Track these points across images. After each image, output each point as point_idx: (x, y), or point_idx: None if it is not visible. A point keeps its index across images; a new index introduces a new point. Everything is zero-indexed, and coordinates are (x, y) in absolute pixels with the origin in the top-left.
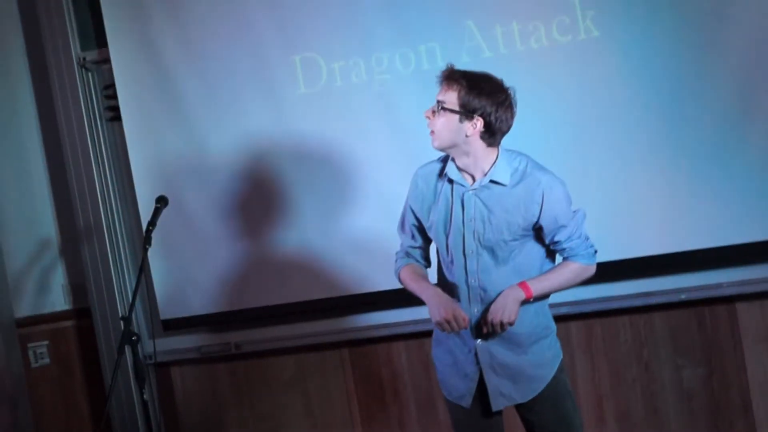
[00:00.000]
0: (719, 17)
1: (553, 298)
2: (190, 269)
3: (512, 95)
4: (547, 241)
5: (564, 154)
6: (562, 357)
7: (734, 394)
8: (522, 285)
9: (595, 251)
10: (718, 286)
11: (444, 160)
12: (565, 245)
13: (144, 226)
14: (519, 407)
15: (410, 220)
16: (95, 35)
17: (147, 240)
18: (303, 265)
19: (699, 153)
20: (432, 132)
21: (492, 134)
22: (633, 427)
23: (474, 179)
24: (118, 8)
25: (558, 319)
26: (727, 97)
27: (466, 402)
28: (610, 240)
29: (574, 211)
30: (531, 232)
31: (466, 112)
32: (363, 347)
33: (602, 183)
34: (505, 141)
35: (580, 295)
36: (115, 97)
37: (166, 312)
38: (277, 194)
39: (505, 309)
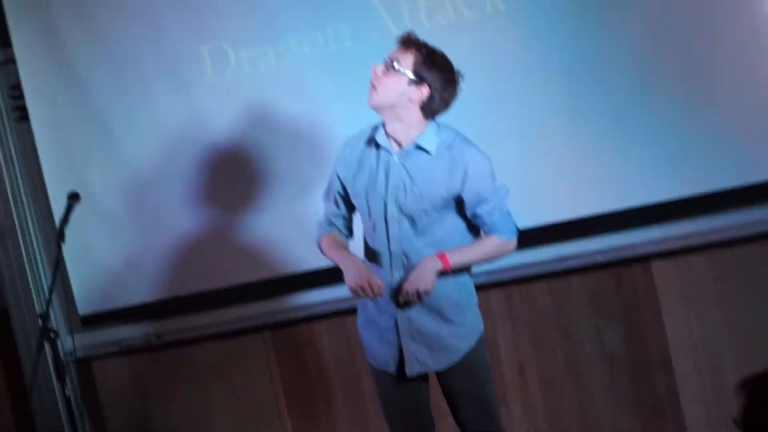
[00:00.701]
0: None
1: (472, 268)
2: (106, 263)
3: (460, 80)
4: (468, 215)
5: (474, 126)
6: (482, 332)
7: (654, 352)
8: (440, 256)
9: (517, 228)
10: (634, 246)
11: (374, 130)
12: (486, 220)
13: (57, 223)
14: (439, 378)
15: (335, 187)
16: None
17: (60, 236)
18: (219, 252)
19: (607, 117)
20: (374, 88)
21: (431, 108)
22: (556, 392)
23: (401, 147)
24: (21, 7)
25: (477, 288)
26: (631, 60)
27: (391, 368)
28: (525, 207)
29: (497, 187)
30: (452, 205)
31: (417, 78)
32: (285, 330)
33: (514, 152)
34: None
35: (498, 263)
36: (21, 96)
37: (84, 307)
38: (189, 182)
39: (421, 278)
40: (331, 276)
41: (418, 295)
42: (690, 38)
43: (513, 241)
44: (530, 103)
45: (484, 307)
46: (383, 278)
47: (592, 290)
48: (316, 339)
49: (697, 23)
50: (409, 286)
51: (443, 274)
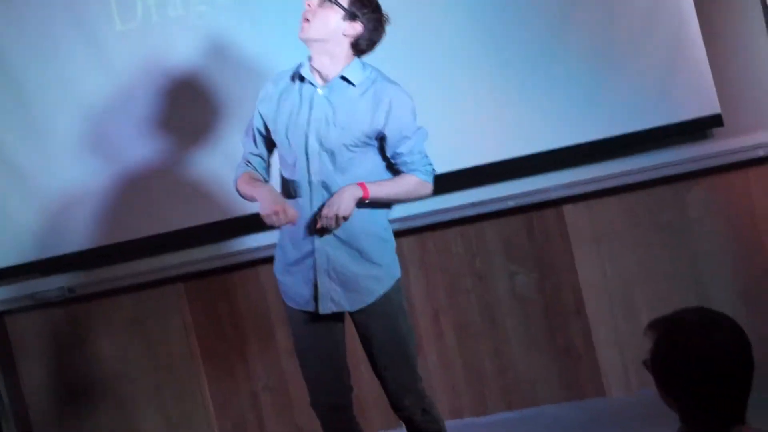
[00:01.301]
0: None
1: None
2: (16, 215)
3: (386, 23)
4: (388, 153)
5: (387, 71)
6: (399, 277)
7: (567, 295)
8: (360, 184)
9: (434, 170)
10: (545, 190)
11: (298, 66)
12: (406, 158)
13: None
14: (355, 321)
15: (256, 124)
16: None
17: None
18: (130, 204)
19: (517, 61)
20: (306, 21)
21: (360, 45)
22: (471, 337)
23: (325, 82)
24: None
25: None
26: (542, 6)
27: (312, 306)
28: (437, 153)
29: (418, 127)
30: (373, 143)
31: (351, 14)
32: (199, 281)
33: (425, 96)
34: None
35: (410, 210)
36: None
37: None
38: (97, 132)
39: (341, 203)
40: (244, 225)
41: (336, 219)
42: None
43: (430, 184)
44: (439, 45)
45: (397, 255)
46: (302, 212)
47: (504, 235)
48: (231, 289)
49: None
50: (328, 210)
51: (362, 204)
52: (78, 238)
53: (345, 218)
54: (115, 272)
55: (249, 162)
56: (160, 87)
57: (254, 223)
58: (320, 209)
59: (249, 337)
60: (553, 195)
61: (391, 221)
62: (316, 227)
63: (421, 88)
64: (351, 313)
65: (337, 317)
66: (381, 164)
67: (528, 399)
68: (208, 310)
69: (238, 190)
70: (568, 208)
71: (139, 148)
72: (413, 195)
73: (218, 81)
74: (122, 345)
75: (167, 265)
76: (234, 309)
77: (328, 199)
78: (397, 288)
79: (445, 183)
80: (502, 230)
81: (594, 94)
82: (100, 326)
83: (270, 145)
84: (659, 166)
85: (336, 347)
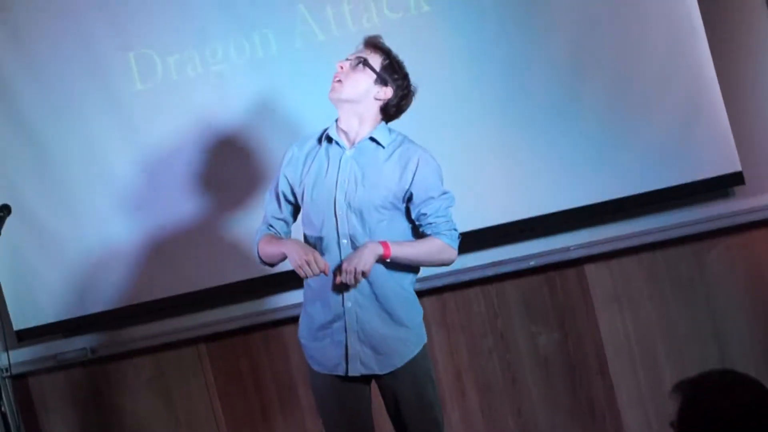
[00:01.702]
0: None
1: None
2: (40, 277)
3: (414, 93)
4: (413, 215)
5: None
6: (426, 342)
7: (589, 355)
8: (382, 243)
9: (459, 236)
10: (566, 249)
11: (324, 129)
12: (431, 220)
13: None
14: (380, 384)
15: (282, 187)
16: None
17: None
18: (152, 264)
19: (536, 120)
20: (338, 81)
21: (389, 110)
22: (493, 396)
23: (352, 145)
24: None
25: None
26: (556, 63)
27: (342, 369)
28: (456, 212)
29: (445, 191)
30: (401, 206)
31: (383, 78)
32: (220, 341)
33: (443, 157)
34: None
35: (431, 269)
36: None
37: (18, 322)
38: (120, 193)
39: (361, 258)
40: (265, 285)
41: (356, 275)
42: (618, 41)
43: (454, 250)
44: (458, 107)
45: None
46: (331, 272)
47: (526, 295)
48: (252, 350)
49: (625, 27)
50: (348, 265)
51: (389, 265)
52: (100, 299)
53: (364, 274)
54: (136, 333)
55: (271, 225)
56: (178, 146)
57: (275, 283)
58: (340, 265)
59: (271, 397)
60: (574, 254)
61: None
62: (335, 283)
63: (440, 149)
64: (378, 378)
65: (364, 381)
66: (408, 229)
67: None
68: (229, 371)
69: (260, 253)
70: (589, 267)
71: (158, 209)
72: (436, 258)
73: (235, 139)
74: (144, 405)
75: (189, 326)
76: (256, 369)
77: (349, 254)
78: (425, 353)
79: (465, 242)
80: (524, 289)
81: (613, 153)
82: (123, 386)
83: (295, 209)
84: (679, 225)
85: (363, 411)
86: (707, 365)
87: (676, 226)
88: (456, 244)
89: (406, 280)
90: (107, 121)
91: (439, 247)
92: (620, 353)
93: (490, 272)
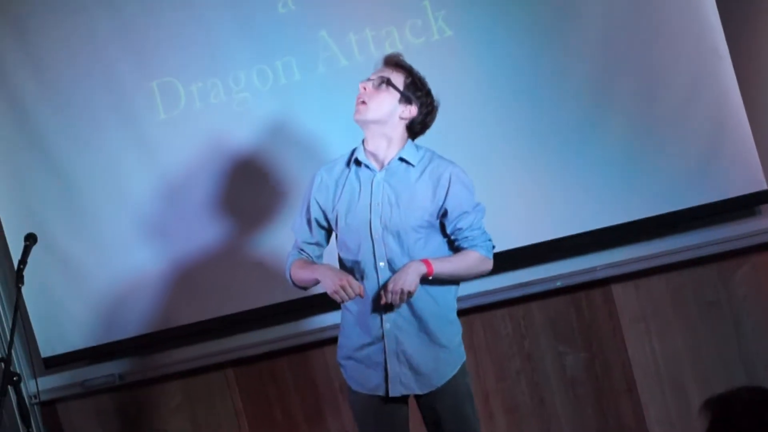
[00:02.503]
0: (569, 8)
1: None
2: (67, 304)
3: (437, 107)
4: (449, 230)
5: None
6: (465, 360)
7: (617, 375)
8: (424, 261)
9: (494, 246)
10: (592, 270)
11: (351, 153)
12: (467, 233)
13: (15, 266)
14: (420, 403)
15: (313, 213)
16: None
17: (19, 279)
18: (178, 289)
19: (561, 141)
20: (363, 103)
21: (415, 127)
22: (521, 419)
23: (381, 166)
24: None
25: None
26: (581, 84)
27: (383, 390)
28: None
29: (477, 203)
30: (436, 223)
31: (407, 96)
32: (247, 366)
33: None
34: None
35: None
36: None
37: (46, 350)
38: (145, 221)
39: (406, 278)
40: (292, 310)
41: (401, 295)
42: (642, 62)
43: (490, 260)
44: (482, 129)
45: None
46: (369, 295)
47: (552, 316)
48: (279, 375)
49: (649, 48)
50: (394, 285)
51: (429, 282)
52: (127, 325)
53: (410, 294)
54: (164, 359)
55: (302, 250)
56: (202, 172)
57: (300, 308)
58: (384, 286)
59: (299, 421)
60: (600, 274)
61: None
62: (380, 304)
63: (466, 170)
64: (418, 398)
65: (403, 401)
66: (444, 244)
67: None
68: (257, 395)
69: (292, 277)
70: (616, 288)
71: (183, 235)
72: (475, 271)
73: (259, 164)
74: (173, 431)
75: (215, 351)
76: (283, 394)
77: (392, 276)
78: (464, 371)
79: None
80: (550, 310)
81: (638, 173)
82: (151, 412)
83: (327, 234)
84: (706, 244)
85: (401, 427)
86: (734, 384)
87: (703, 245)
88: (491, 254)
89: (447, 298)
90: (131, 151)
91: (478, 259)
92: (648, 373)
93: (516, 294)
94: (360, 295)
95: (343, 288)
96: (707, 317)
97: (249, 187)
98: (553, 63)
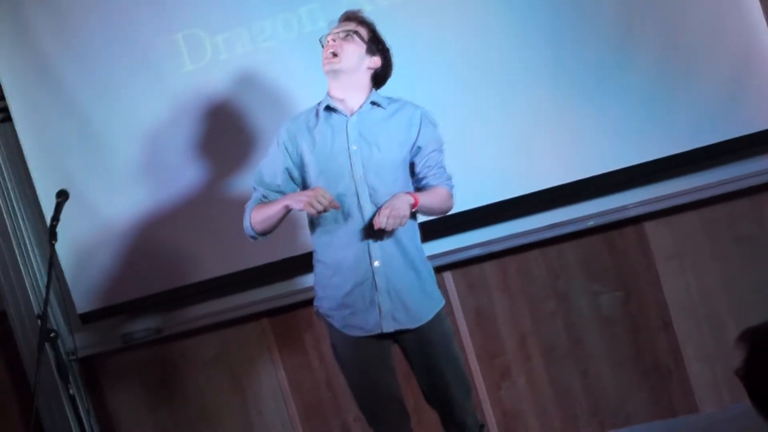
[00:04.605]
0: None
1: (464, 240)
2: (101, 259)
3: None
4: (418, 168)
5: (452, 98)
6: (444, 303)
7: (653, 313)
8: (409, 193)
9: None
10: (624, 208)
11: (318, 103)
12: (434, 171)
13: (48, 223)
14: (407, 346)
15: (283, 163)
16: None
17: (52, 235)
18: (213, 241)
19: (587, 80)
20: (334, 55)
21: (379, 77)
22: (558, 359)
23: (351, 112)
24: None
25: (472, 261)
26: (607, 23)
27: (379, 328)
28: (513, 177)
29: (442, 142)
30: (407, 164)
31: (371, 48)
32: (283, 315)
33: (495, 123)
34: (401, 92)
35: (489, 234)
36: (3, 98)
37: (82, 305)
38: (176, 174)
39: (399, 205)
40: None
41: (397, 219)
42: None
43: (453, 199)
44: (506, 71)
45: (479, 280)
46: (356, 236)
47: (586, 255)
48: (315, 322)
49: None
50: (390, 211)
51: (411, 213)
52: (162, 278)
53: (404, 219)
54: (200, 311)
55: (265, 197)
56: (232, 124)
57: None
58: (378, 211)
59: (336, 369)
60: (633, 212)
61: (471, 246)
62: (370, 231)
63: (494, 114)
64: (405, 340)
65: (391, 339)
66: (410, 183)
67: (620, 418)
68: (294, 344)
69: (253, 220)
70: (648, 225)
71: (214, 187)
72: (445, 207)
73: (287, 113)
74: (210, 383)
75: (251, 301)
76: (319, 342)
77: (383, 204)
78: (446, 313)
79: (523, 205)
80: (584, 250)
81: (667, 109)
82: (188, 364)
83: (292, 185)
84: (738, 178)
85: (393, 374)
86: None
87: (735, 179)
88: (453, 191)
89: (418, 238)
90: (159, 104)
91: (447, 195)
92: (683, 308)
93: (549, 234)
94: (335, 206)
95: (316, 199)
96: (741, 251)
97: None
98: (577, 2)
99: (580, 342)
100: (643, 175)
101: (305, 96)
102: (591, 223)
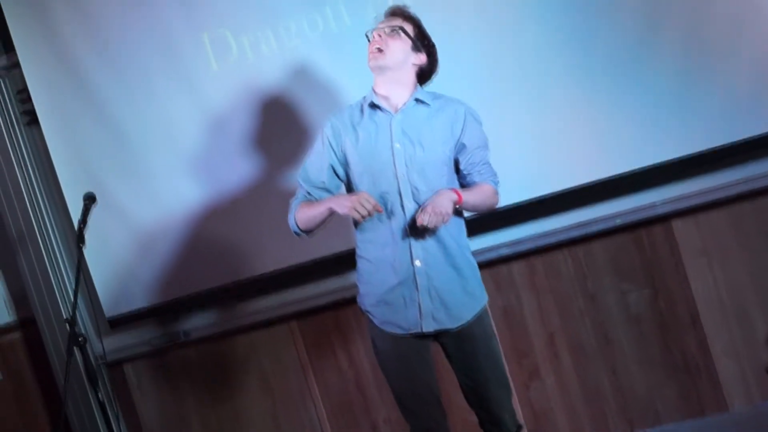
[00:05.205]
0: None
1: (491, 240)
2: (129, 263)
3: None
4: (463, 164)
5: (482, 95)
6: (487, 300)
7: (681, 311)
8: (453, 190)
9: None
10: (652, 206)
11: (363, 99)
12: (480, 168)
13: (76, 226)
14: (448, 345)
15: (328, 159)
16: (2, 41)
17: (80, 239)
18: (239, 245)
19: (614, 79)
20: (379, 51)
21: (425, 73)
22: (587, 358)
23: (396, 109)
24: (21, 10)
25: (499, 260)
26: (638, 17)
27: (419, 327)
28: (540, 176)
29: (486, 139)
30: (452, 161)
31: (417, 44)
32: (311, 317)
33: (524, 122)
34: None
35: (517, 233)
36: (29, 100)
37: (110, 310)
38: (205, 177)
39: (442, 202)
40: (353, 260)
41: (440, 216)
42: None
43: (498, 196)
44: (537, 69)
45: (507, 280)
46: (399, 234)
47: (614, 254)
48: (343, 324)
49: None
50: (432, 208)
51: (455, 211)
52: (190, 282)
53: (447, 217)
54: (228, 313)
55: (309, 193)
56: (259, 125)
57: None
58: (421, 208)
59: (364, 370)
60: (660, 210)
61: (499, 246)
62: (413, 229)
63: (521, 113)
64: (446, 339)
65: (430, 339)
66: (456, 180)
67: (649, 416)
68: (322, 346)
69: (297, 218)
70: (676, 223)
71: (241, 190)
72: (489, 203)
73: (315, 114)
74: (240, 385)
75: (279, 304)
76: (348, 344)
77: (426, 201)
78: (488, 311)
79: (550, 204)
80: (611, 249)
81: (693, 106)
82: (216, 367)
83: (338, 182)
84: (764, 174)
85: (432, 371)
86: None
87: (762, 176)
88: (498, 188)
89: (464, 234)
90: (185, 105)
91: (492, 192)
92: (711, 306)
93: (576, 233)
94: (378, 210)
95: (360, 204)
96: None
97: (305, 137)
98: None
99: (608, 341)
100: (671, 173)
101: (330, 92)
102: (618, 222)
